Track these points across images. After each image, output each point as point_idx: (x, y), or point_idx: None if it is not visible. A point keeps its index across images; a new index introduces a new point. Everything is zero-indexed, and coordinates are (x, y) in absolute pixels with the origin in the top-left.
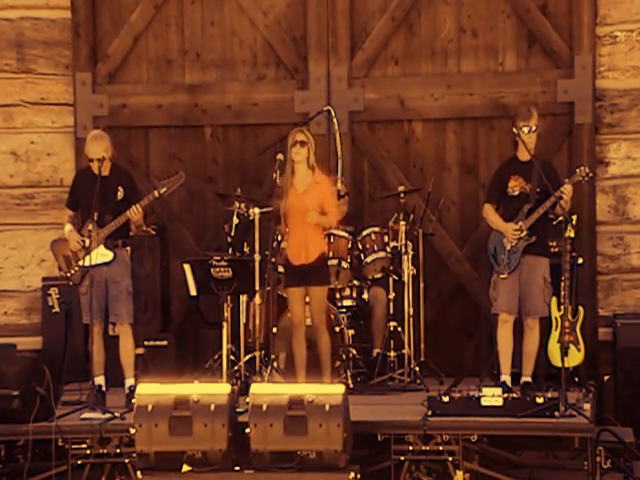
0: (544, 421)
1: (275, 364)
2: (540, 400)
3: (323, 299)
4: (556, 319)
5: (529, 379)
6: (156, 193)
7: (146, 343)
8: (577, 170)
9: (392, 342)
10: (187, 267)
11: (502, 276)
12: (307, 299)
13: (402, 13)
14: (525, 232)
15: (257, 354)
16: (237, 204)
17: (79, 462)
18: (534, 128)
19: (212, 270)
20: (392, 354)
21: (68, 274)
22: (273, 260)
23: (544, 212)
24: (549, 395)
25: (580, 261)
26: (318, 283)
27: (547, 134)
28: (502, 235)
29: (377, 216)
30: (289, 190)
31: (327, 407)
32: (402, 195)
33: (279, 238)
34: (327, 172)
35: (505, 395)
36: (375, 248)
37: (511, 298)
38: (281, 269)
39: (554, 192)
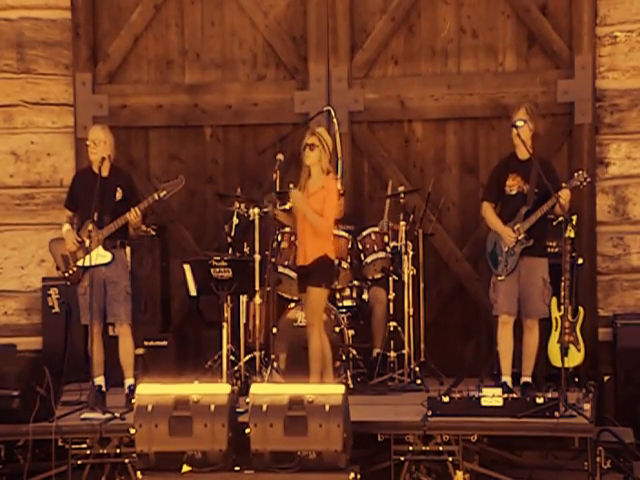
0: (544, 421)
1: (275, 364)
2: (540, 400)
3: (318, 301)
4: (556, 319)
5: (529, 379)
6: (156, 196)
7: (146, 343)
8: (575, 175)
9: (392, 342)
10: (187, 267)
11: (500, 278)
12: None
13: (402, 13)
14: (522, 235)
15: (257, 354)
16: (237, 204)
17: (79, 462)
18: (520, 124)
19: (212, 270)
20: (392, 354)
21: (66, 274)
22: (273, 260)
23: (541, 215)
24: (549, 395)
25: (580, 261)
26: (313, 284)
27: (547, 134)
28: (500, 237)
29: (377, 216)
30: (302, 192)
31: (327, 407)
32: (402, 195)
33: (279, 238)
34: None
35: (505, 395)
36: (375, 248)
37: (511, 300)
38: (281, 269)
39: (553, 193)
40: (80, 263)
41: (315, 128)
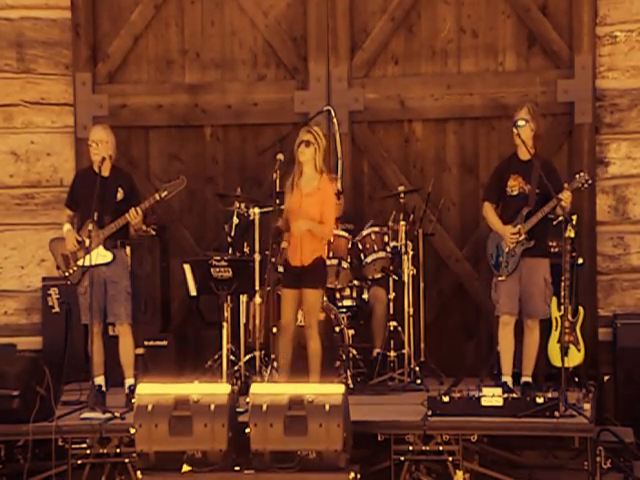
0: (544, 421)
1: (275, 364)
2: (540, 400)
3: (315, 302)
4: (556, 319)
5: (529, 379)
6: (157, 196)
7: (146, 343)
8: (577, 176)
9: (392, 342)
10: (187, 267)
11: (500, 278)
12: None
13: (402, 13)
14: (523, 236)
15: (257, 354)
16: (237, 204)
17: (79, 462)
18: (522, 123)
19: (212, 270)
20: (392, 354)
21: (66, 273)
22: (273, 260)
23: (543, 216)
24: (549, 395)
25: (580, 261)
26: (310, 286)
27: (547, 134)
28: (500, 237)
29: (377, 216)
30: (294, 190)
31: (327, 407)
32: (402, 195)
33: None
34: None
35: (505, 395)
36: (375, 248)
37: (512, 300)
38: (281, 269)
39: (554, 194)
40: (80, 263)
41: (312, 126)
